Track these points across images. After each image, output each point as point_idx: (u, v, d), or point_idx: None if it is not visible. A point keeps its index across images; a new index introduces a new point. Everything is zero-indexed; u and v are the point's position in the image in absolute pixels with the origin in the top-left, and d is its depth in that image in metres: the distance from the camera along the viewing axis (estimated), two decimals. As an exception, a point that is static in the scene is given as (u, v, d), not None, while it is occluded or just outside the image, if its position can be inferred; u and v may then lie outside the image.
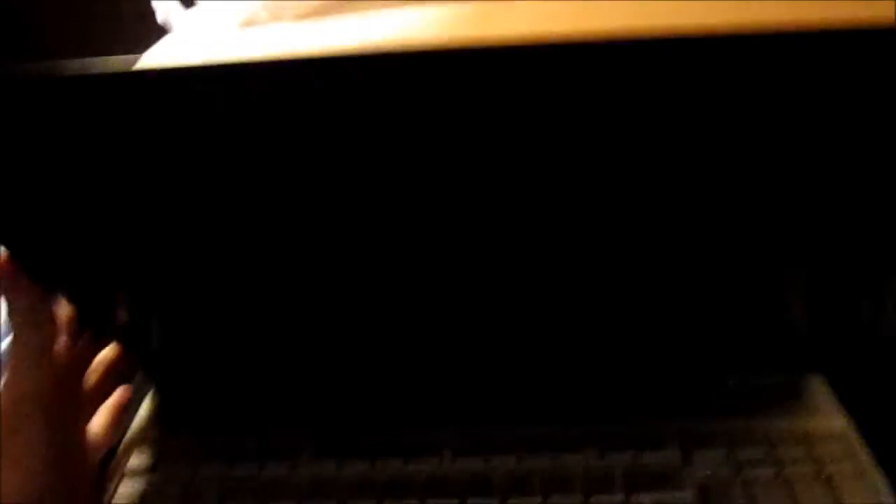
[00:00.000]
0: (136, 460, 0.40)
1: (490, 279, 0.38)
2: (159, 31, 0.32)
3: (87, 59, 0.27)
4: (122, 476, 0.40)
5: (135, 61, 0.29)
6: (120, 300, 0.37)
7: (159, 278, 0.36)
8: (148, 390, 0.45)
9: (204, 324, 0.40)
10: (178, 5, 0.57)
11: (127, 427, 0.42)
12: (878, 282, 0.49)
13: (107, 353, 0.40)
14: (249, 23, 0.33)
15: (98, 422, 0.38)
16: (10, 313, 0.33)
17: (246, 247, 0.35)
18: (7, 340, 0.50)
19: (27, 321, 0.33)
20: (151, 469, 0.40)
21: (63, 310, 0.34)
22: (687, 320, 0.41)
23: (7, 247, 0.33)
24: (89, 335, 0.37)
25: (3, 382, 0.32)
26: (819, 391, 0.41)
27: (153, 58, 0.29)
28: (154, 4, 0.58)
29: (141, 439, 0.42)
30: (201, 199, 0.32)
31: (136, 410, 0.44)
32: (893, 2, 0.27)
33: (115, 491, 0.39)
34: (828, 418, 0.39)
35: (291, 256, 0.36)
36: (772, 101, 0.29)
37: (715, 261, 0.39)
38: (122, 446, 0.41)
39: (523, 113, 0.30)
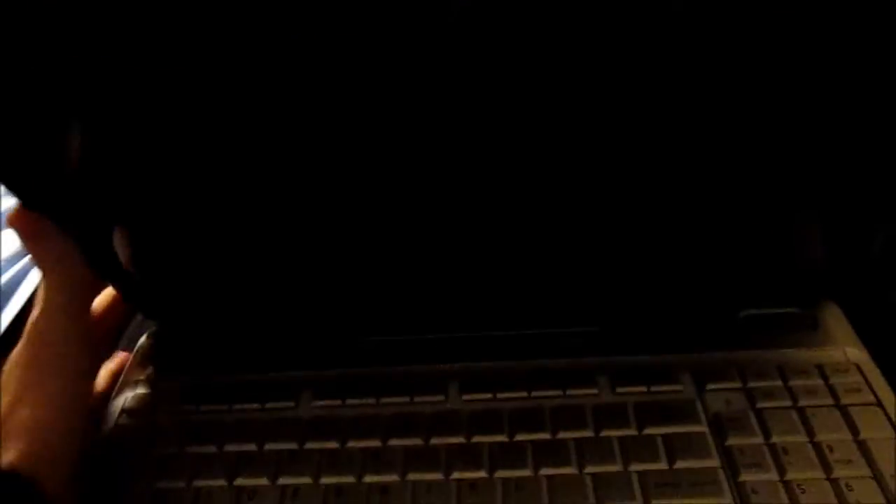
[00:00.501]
0: (132, 401, 0.39)
1: (501, 204, 0.36)
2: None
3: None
4: (119, 414, 0.38)
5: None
6: (118, 240, 0.35)
7: (155, 215, 0.35)
8: (143, 330, 0.43)
9: (200, 259, 0.38)
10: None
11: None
12: (892, 210, 0.48)
13: (105, 299, 0.38)
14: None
15: (102, 374, 0.39)
16: (38, 260, 0.31)
17: (241, 175, 0.33)
18: (7, 275, 0.49)
19: (56, 267, 0.31)
20: (148, 409, 0.39)
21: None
22: (697, 251, 0.39)
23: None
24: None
25: (33, 326, 0.31)
26: (834, 321, 0.40)
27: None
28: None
29: (136, 380, 0.40)
30: (196, 130, 0.30)
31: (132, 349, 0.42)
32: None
33: (111, 431, 0.38)
34: (843, 348, 0.38)
35: (286, 185, 0.34)
36: (780, 30, 0.27)
37: (725, 189, 0.37)
38: (117, 385, 0.40)
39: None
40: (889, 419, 0.35)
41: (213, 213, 0.37)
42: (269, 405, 0.38)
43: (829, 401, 0.36)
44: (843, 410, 0.35)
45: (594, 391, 0.37)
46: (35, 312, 0.31)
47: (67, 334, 0.31)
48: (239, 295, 0.41)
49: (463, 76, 0.31)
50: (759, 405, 0.36)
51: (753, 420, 0.35)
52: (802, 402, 0.36)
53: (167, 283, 0.40)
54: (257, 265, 0.40)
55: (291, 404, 0.38)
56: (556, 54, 0.30)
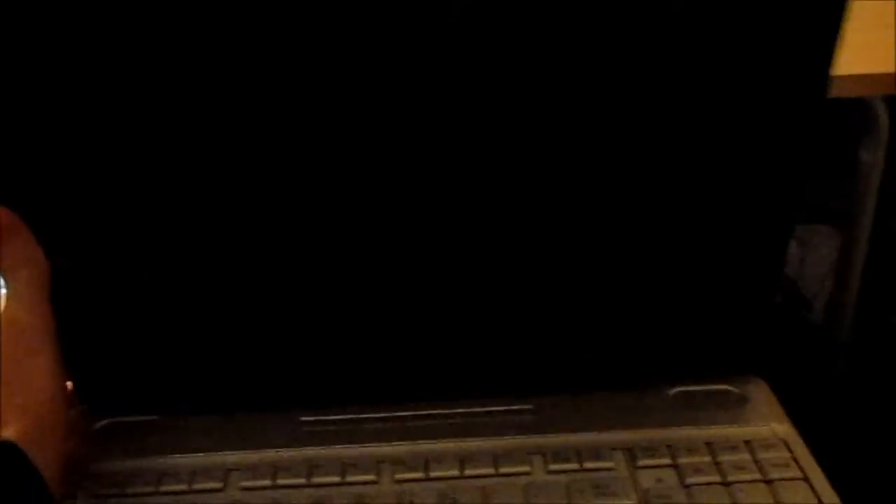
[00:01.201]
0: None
1: (436, 283, 0.39)
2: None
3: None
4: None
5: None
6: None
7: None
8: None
9: (134, 333, 0.39)
10: None
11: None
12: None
13: None
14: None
15: None
16: (9, 256, 0.33)
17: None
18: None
19: (27, 263, 0.34)
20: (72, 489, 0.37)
21: None
22: (629, 328, 0.41)
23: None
24: None
25: (9, 321, 0.33)
26: (762, 397, 0.40)
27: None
28: None
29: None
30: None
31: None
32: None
33: None
34: (771, 424, 0.39)
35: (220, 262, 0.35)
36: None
37: (655, 267, 0.39)
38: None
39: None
40: (815, 494, 0.35)
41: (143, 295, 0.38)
42: (196, 486, 0.37)
43: (758, 476, 0.36)
44: (771, 485, 0.35)
45: (527, 469, 0.37)
46: (9, 307, 0.33)
47: (41, 326, 0.34)
48: (171, 375, 0.41)
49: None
50: (689, 481, 0.36)
51: (683, 496, 0.35)
52: (731, 478, 0.36)
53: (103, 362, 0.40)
54: (192, 342, 0.40)
55: (220, 485, 0.37)
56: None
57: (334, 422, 0.40)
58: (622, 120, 0.35)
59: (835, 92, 0.62)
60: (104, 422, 0.41)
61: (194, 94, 0.34)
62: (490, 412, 0.40)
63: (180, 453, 0.39)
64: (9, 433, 0.30)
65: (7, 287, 0.34)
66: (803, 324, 0.74)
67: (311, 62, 0.33)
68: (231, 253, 0.38)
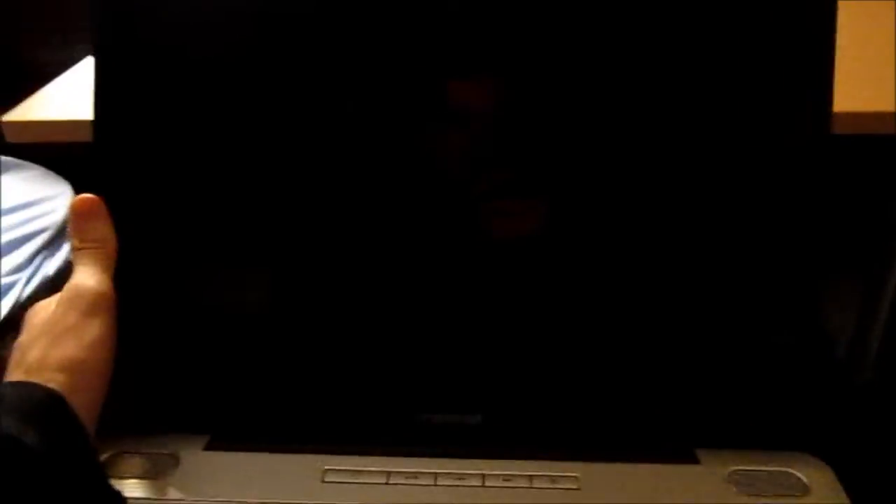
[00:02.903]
0: None
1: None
2: None
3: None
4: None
5: None
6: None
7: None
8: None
9: None
10: None
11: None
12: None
13: None
14: None
15: None
16: (85, 234, 0.37)
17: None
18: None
19: (98, 239, 0.37)
20: None
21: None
22: (675, 391, 0.40)
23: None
24: None
25: (73, 286, 0.36)
26: (825, 483, 0.37)
27: None
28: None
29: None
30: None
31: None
32: None
33: None
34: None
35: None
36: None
37: (697, 334, 0.39)
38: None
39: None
40: None
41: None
42: None
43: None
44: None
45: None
46: (76, 276, 0.37)
47: (101, 295, 0.36)
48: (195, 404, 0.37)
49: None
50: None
51: None
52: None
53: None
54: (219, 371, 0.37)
55: None
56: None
57: (359, 473, 0.37)
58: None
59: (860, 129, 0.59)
60: (114, 452, 0.38)
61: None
62: (531, 477, 0.37)
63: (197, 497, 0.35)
64: (56, 383, 0.32)
65: (79, 259, 0.37)
66: (827, 365, 0.69)
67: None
68: (264, 285, 0.39)
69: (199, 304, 0.40)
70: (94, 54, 0.38)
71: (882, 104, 0.68)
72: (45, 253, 0.83)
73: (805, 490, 0.37)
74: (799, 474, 0.38)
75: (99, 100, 0.38)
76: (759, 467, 0.38)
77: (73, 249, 0.38)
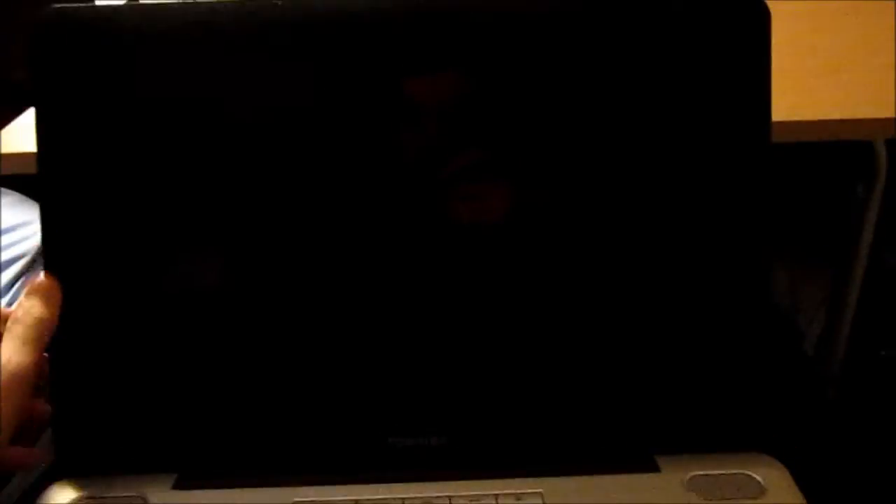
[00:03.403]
0: None
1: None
2: None
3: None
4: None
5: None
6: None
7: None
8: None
9: None
10: None
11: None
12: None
13: None
14: None
15: None
16: (31, 308, 0.37)
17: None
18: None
19: (43, 300, 0.37)
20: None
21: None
22: (630, 399, 0.41)
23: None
24: None
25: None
26: (782, 485, 0.38)
27: None
28: None
29: None
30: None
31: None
32: None
33: None
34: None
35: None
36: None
37: (650, 340, 0.40)
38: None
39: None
40: None
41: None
42: None
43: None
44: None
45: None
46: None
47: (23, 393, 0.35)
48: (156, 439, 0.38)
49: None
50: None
51: None
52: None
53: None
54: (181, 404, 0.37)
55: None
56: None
57: (329, 503, 0.38)
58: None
59: (839, 135, 0.61)
60: (77, 497, 0.38)
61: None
62: (497, 496, 0.38)
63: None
64: None
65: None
66: (796, 356, 0.72)
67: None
68: (219, 313, 0.40)
69: (153, 331, 0.40)
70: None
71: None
72: (23, 279, 0.83)
73: (762, 491, 0.38)
74: (756, 475, 0.39)
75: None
76: (718, 471, 0.39)
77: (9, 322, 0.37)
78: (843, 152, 0.71)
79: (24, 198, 0.88)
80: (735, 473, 0.39)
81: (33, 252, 0.84)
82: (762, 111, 0.38)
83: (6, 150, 0.77)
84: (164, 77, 0.39)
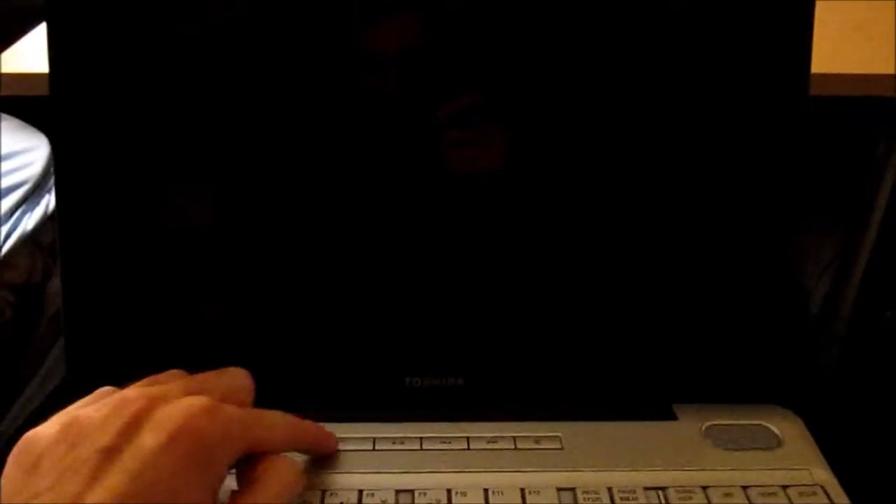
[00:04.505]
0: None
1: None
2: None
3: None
4: None
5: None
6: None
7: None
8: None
9: None
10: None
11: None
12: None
13: None
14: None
15: None
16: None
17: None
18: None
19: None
20: None
21: None
22: (651, 347, 0.41)
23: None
24: None
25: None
26: (798, 435, 0.39)
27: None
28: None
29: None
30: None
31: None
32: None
33: None
34: (810, 468, 0.37)
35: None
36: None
37: (669, 289, 0.40)
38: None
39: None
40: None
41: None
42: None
43: (796, 526, 0.34)
44: (810, 538, 0.34)
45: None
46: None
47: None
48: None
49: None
50: (727, 530, 0.34)
51: (720, 547, 0.34)
52: (769, 527, 0.34)
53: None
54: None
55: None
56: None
57: (345, 440, 0.38)
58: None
59: (863, 90, 0.60)
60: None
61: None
62: (515, 438, 0.38)
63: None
64: None
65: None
66: (800, 315, 0.72)
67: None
68: (237, 243, 0.40)
69: (169, 257, 0.40)
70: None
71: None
72: (24, 207, 0.82)
73: (778, 442, 0.38)
74: (772, 426, 0.39)
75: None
76: (734, 421, 0.39)
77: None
78: (867, 111, 0.70)
79: (23, 124, 0.87)
80: (752, 424, 0.39)
81: (33, 180, 0.83)
82: (803, 58, 0.37)
83: (6, 69, 0.76)
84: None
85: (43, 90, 0.39)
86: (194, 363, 0.39)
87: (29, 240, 0.80)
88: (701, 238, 0.39)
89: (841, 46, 0.64)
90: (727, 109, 0.38)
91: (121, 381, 0.39)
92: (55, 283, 0.84)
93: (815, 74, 0.55)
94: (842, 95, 0.61)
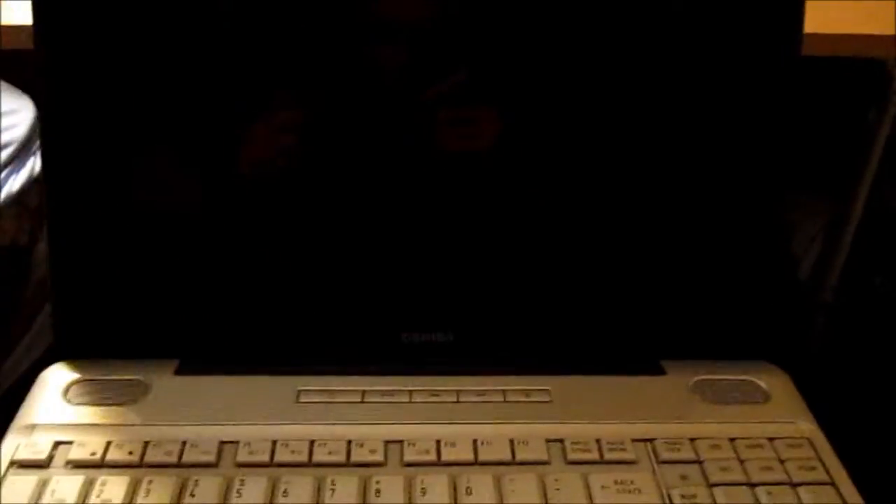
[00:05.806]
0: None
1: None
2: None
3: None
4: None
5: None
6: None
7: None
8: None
9: None
10: None
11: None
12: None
13: None
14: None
15: None
16: None
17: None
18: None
19: None
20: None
21: None
22: (642, 305, 0.41)
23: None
24: None
25: None
26: (785, 390, 0.39)
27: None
28: None
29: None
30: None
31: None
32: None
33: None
34: (796, 421, 0.37)
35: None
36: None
37: (661, 248, 0.40)
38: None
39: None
40: (842, 499, 0.34)
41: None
42: (185, 460, 0.34)
43: (784, 477, 0.35)
44: (797, 489, 0.34)
45: (545, 458, 0.35)
46: None
47: None
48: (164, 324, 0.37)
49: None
50: (714, 480, 0.34)
51: (708, 497, 0.34)
52: (756, 479, 0.34)
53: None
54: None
55: (213, 460, 0.34)
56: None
57: (334, 392, 0.38)
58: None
59: (854, 51, 0.59)
60: (79, 378, 0.38)
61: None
62: (505, 392, 0.38)
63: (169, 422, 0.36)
64: None
65: None
66: (790, 278, 0.72)
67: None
68: (227, 200, 0.39)
69: (156, 215, 0.39)
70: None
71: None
72: (8, 169, 0.81)
73: (765, 397, 0.39)
74: (760, 382, 0.39)
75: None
76: (722, 376, 0.39)
77: None
78: (858, 78, 0.70)
79: (8, 86, 0.86)
80: (739, 379, 0.39)
81: (18, 142, 0.81)
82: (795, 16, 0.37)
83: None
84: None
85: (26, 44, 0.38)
86: (185, 325, 0.40)
87: (14, 202, 0.79)
88: (691, 197, 0.39)
89: (836, 4, 0.64)
90: (717, 70, 0.38)
91: (107, 348, 0.39)
92: (43, 248, 0.84)
93: (807, 34, 0.55)
94: (832, 57, 0.60)
